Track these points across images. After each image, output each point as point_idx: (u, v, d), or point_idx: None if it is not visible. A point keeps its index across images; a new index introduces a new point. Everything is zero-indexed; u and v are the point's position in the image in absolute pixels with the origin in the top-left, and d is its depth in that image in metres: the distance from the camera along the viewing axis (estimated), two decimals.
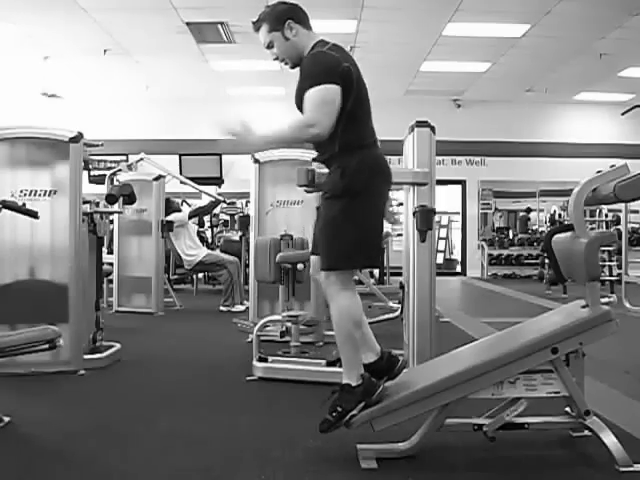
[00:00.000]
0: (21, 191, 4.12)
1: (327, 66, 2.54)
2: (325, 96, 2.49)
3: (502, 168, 13.39)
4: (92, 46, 9.53)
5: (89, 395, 3.67)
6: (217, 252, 8.87)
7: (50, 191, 4.15)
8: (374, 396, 2.53)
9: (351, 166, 2.55)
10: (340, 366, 3.83)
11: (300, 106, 2.62)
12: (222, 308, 7.40)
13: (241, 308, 7.28)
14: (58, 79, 11.45)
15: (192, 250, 7.79)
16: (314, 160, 2.77)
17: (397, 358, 2.62)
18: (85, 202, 4.33)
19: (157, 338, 5.73)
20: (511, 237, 13.85)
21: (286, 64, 2.74)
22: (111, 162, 8.97)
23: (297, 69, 2.70)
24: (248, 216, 7.52)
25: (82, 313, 4.17)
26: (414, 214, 3.52)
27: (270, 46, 2.70)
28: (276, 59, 2.74)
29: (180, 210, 8.15)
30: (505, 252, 13.43)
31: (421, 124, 3.63)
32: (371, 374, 2.60)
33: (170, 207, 7.87)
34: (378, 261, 2.73)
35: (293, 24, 2.65)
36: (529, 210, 13.95)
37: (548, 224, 11.62)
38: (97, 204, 4.70)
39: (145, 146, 10.27)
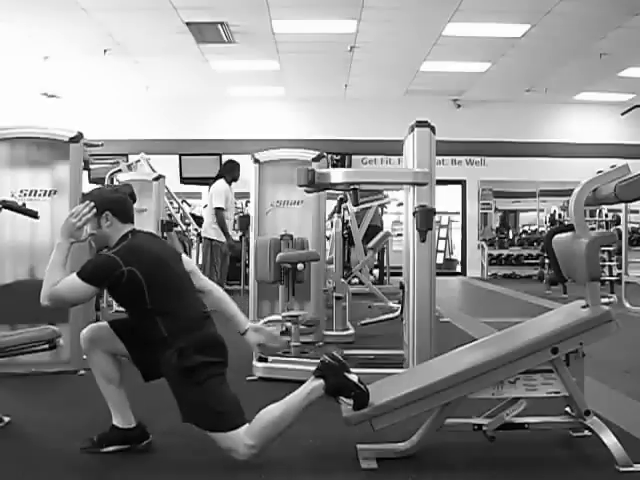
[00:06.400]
0: (21, 191, 4.12)
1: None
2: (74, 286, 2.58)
3: (502, 168, 13.39)
4: (92, 46, 9.53)
5: (89, 395, 3.65)
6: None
7: (50, 191, 4.15)
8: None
9: (186, 346, 2.52)
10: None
11: None
12: None
13: None
14: (58, 79, 11.46)
15: None
16: None
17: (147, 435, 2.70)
18: None
19: None
20: (511, 237, 13.86)
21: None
22: (112, 164, 8.98)
23: None
24: (248, 216, 7.51)
25: (82, 313, 4.16)
26: (414, 214, 3.51)
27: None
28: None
29: None
30: (505, 252, 13.44)
31: (421, 124, 3.62)
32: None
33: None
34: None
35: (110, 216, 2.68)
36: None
37: (548, 224, 11.63)
38: None
39: (145, 146, 10.27)
